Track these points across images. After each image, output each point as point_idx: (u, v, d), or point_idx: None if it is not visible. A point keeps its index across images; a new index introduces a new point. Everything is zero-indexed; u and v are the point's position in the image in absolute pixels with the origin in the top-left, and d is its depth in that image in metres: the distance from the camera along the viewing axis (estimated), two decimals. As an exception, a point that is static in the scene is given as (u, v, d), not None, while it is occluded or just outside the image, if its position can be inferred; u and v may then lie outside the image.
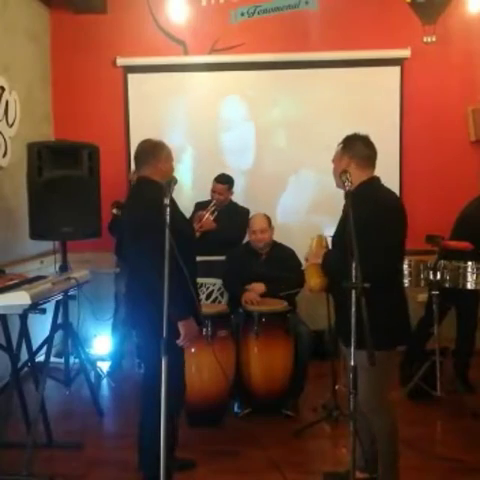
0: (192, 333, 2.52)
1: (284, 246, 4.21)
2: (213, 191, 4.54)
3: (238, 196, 4.76)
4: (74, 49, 5.28)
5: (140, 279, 2.76)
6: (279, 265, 4.04)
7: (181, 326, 2.61)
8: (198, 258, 4.46)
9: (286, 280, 3.95)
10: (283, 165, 5.35)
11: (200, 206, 4.53)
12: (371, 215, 2.53)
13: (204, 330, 3.57)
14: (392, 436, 2.69)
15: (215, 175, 4.62)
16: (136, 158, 2.94)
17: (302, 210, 5.30)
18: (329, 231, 2.88)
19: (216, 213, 4.39)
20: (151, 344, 2.77)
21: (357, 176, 2.67)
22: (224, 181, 4.55)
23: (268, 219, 4.15)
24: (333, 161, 2.83)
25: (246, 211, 4.57)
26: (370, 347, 2.20)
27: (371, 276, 2.29)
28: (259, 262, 4.12)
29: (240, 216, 4.52)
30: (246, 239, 4.44)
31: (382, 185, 2.75)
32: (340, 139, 2.85)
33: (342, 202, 2.53)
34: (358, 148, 2.74)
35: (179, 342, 2.63)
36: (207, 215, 4.32)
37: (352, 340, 2.29)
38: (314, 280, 2.75)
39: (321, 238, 2.90)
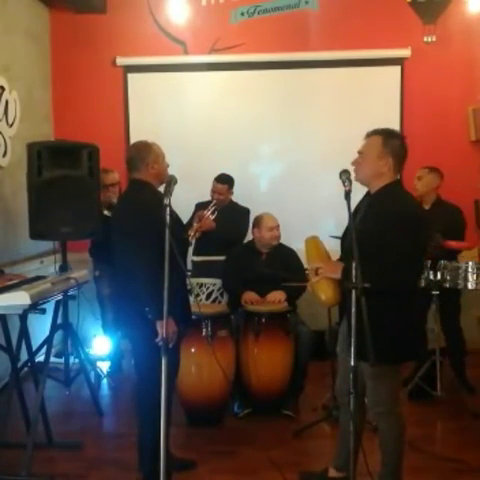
0: (169, 333, 2.54)
1: (285, 246, 4.20)
2: (213, 191, 4.54)
3: (238, 195, 4.76)
4: (74, 49, 5.29)
5: (127, 281, 2.77)
6: (280, 265, 4.04)
7: (159, 326, 2.63)
8: (198, 258, 4.51)
9: (288, 281, 3.95)
10: (283, 164, 5.36)
11: (200, 207, 4.52)
12: (385, 221, 2.45)
13: (204, 330, 3.58)
14: (398, 440, 2.66)
15: (215, 175, 4.61)
16: (126, 163, 2.94)
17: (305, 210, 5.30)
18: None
19: (216, 213, 4.39)
20: (141, 346, 2.79)
21: (387, 177, 2.57)
22: (224, 181, 4.54)
23: (276, 219, 4.17)
24: (361, 152, 2.62)
25: (246, 211, 4.56)
26: (370, 346, 2.20)
27: (368, 280, 2.27)
28: (260, 261, 4.12)
29: (240, 216, 4.52)
30: (247, 239, 4.44)
31: (404, 190, 2.64)
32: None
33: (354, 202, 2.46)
34: (397, 147, 2.58)
35: (157, 340, 2.63)
36: (207, 215, 4.32)
37: (352, 340, 2.29)
38: (326, 294, 2.58)
39: (315, 240, 2.78)
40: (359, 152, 2.65)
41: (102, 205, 4.18)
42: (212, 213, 4.36)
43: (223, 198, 4.51)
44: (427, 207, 4.16)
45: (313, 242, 2.77)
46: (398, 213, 2.47)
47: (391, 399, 2.63)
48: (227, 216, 4.44)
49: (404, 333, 2.54)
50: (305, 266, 3.05)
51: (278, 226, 4.13)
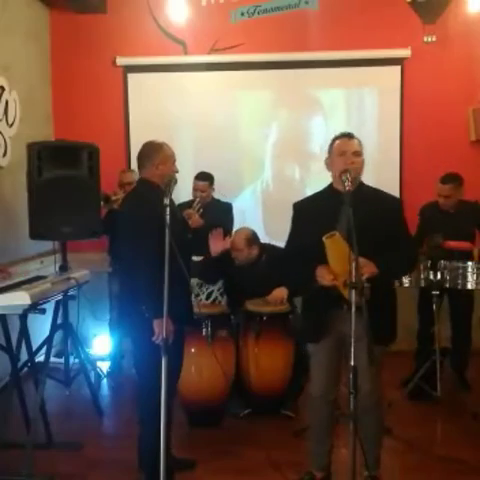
0: (166, 332, 2.54)
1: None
2: (194, 189, 4.52)
3: (237, 194, 4.75)
4: (74, 49, 5.28)
5: (129, 279, 2.78)
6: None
7: (155, 325, 2.64)
8: (198, 258, 4.49)
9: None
10: (283, 164, 5.36)
11: (183, 206, 4.48)
12: (395, 209, 2.73)
13: (204, 330, 3.58)
14: (382, 426, 2.86)
15: (215, 175, 4.61)
16: (137, 160, 2.97)
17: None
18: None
19: (201, 210, 4.39)
20: (142, 345, 2.79)
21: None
22: (205, 178, 4.54)
23: (249, 238, 4.03)
24: (360, 152, 2.70)
25: (229, 205, 4.58)
26: (370, 345, 2.21)
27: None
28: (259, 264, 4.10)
29: (224, 211, 4.52)
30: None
31: None
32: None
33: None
34: None
35: (153, 339, 2.65)
36: (194, 212, 4.30)
37: (352, 340, 2.29)
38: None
39: (340, 237, 2.47)
40: (359, 152, 2.67)
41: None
42: (197, 211, 4.35)
43: (205, 195, 4.50)
44: (452, 211, 4.17)
45: (335, 242, 2.48)
46: (397, 199, 2.89)
47: (381, 386, 2.75)
48: (211, 213, 4.42)
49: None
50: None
51: (241, 248, 3.98)
